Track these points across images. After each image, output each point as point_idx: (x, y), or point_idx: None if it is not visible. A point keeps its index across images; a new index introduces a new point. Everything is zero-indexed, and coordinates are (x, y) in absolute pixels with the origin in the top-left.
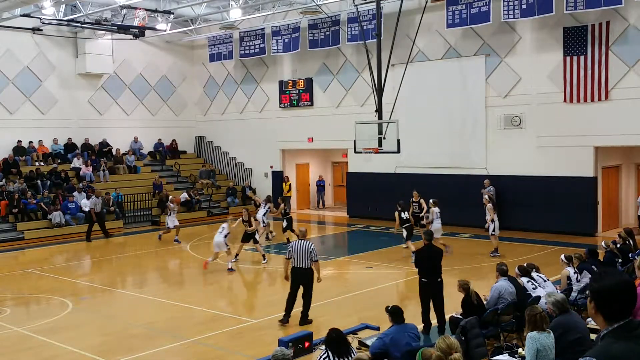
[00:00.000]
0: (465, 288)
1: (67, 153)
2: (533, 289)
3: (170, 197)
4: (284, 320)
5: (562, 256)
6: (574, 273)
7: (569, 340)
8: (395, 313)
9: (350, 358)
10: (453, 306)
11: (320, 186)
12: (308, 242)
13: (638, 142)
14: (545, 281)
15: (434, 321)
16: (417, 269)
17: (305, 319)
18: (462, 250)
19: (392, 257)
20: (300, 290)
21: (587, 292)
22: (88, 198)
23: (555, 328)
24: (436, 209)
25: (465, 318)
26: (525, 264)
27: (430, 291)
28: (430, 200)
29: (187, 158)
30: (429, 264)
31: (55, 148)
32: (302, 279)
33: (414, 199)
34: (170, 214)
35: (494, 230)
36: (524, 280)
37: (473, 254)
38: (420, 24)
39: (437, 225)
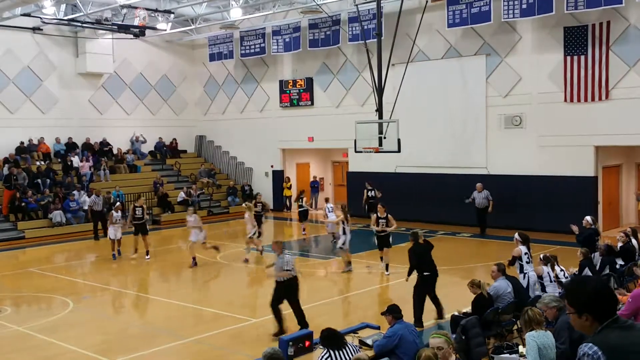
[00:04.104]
0: (477, 284)
1: (67, 152)
2: (527, 262)
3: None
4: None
5: (541, 255)
6: (525, 254)
7: (572, 338)
8: (396, 310)
9: (347, 350)
10: (454, 305)
11: (314, 187)
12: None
13: (638, 142)
14: (566, 277)
15: (426, 323)
16: (413, 266)
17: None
18: (462, 250)
19: (392, 257)
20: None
21: (568, 309)
22: (89, 196)
23: (562, 327)
24: (329, 205)
25: (476, 315)
26: (546, 254)
27: (431, 284)
28: (325, 198)
29: (188, 157)
30: (426, 258)
31: (57, 147)
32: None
33: (379, 214)
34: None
35: (343, 243)
36: (522, 249)
37: (473, 254)
38: (421, 23)
39: (332, 218)
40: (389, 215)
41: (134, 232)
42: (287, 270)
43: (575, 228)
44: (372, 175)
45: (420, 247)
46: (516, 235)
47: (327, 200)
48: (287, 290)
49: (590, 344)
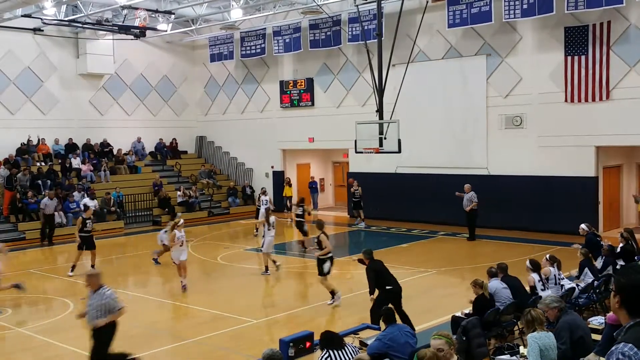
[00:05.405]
0: (480, 284)
1: (68, 153)
2: (542, 290)
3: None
4: None
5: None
6: (539, 281)
7: (573, 339)
8: (387, 314)
9: (346, 350)
10: (455, 306)
11: (313, 187)
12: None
13: (639, 142)
14: (562, 279)
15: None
16: (374, 283)
17: None
18: (462, 251)
19: (393, 257)
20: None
21: (612, 286)
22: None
23: (563, 328)
24: (264, 197)
25: (477, 316)
26: (548, 256)
27: (396, 299)
28: (261, 189)
29: (188, 158)
30: (386, 273)
31: (55, 148)
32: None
33: (317, 238)
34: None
35: (262, 245)
36: (535, 277)
37: (473, 255)
38: (421, 23)
39: (263, 211)
40: (321, 236)
41: (79, 246)
42: (118, 309)
43: (583, 251)
44: (372, 176)
45: (377, 264)
46: (527, 263)
47: (264, 192)
48: (103, 336)
49: (631, 345)
